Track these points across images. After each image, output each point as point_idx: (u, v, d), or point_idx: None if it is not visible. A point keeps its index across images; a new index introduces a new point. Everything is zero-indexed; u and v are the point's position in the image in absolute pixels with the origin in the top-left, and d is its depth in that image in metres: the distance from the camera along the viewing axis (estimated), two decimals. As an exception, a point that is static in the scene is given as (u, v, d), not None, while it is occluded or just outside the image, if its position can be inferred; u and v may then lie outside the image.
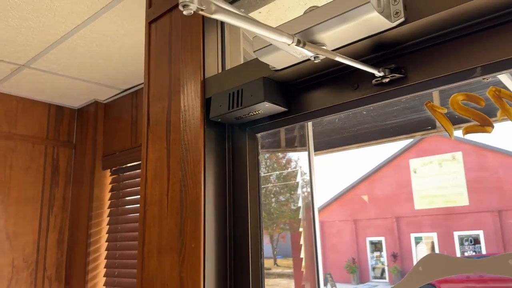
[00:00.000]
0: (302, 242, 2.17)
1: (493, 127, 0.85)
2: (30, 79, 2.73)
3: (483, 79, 0.88)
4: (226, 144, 1.31)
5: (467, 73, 0.89)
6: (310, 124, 1.68)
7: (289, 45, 0.76)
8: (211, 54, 1.32)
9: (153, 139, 1.39)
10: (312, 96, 1.13)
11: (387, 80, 0.97)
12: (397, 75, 0.96)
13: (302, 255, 2.14)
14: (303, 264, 2.15)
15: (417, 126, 2.26)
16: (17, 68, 2.58)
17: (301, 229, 2.29)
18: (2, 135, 2.84)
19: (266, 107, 1.13)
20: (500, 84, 0.88)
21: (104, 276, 2.87)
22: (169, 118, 1.35)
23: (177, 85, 1.35)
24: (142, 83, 2.83)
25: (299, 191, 2.14)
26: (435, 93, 1.03)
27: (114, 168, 3.00)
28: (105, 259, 2.90)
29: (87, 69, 2.62)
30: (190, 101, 1.28)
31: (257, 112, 1.17)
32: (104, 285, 2.85)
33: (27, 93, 2.95)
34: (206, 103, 1.27)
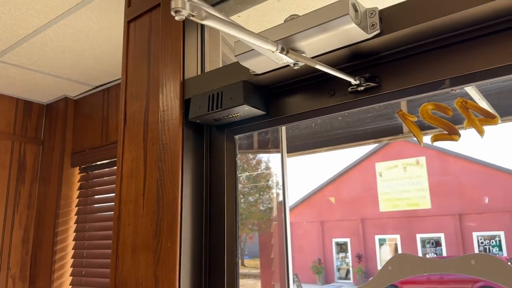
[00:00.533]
0: (273, 242, 2.21)
1: (459, 135, 0.90)
2: (-1, 72, 2.66)
3: (451, 90, 0.94)
4: (204, 145, 1.33)
5: (437, 84, 0.95)
6: (283, 127, 1.72)
7: (273, 52, 0.79)
8: (190, 56, 1.34)
9: (129, 138, 1.39)
10: (290, 101, 1.17)
11: (362, 88, 1.02)
12: (372, 84, 1.00)
13: (273, 255, 2.18)
14: (272, 264, 2.19)
15: (386, 132, 2.35)
16: (-16, 61, 2.51)
17: (272, 231, 2.33)
18: (-34, 130, 2.75)
19: (245, 110, 1.16)
20: (467, 95, 0.94)
21: (70, 276, 2.82)
22: (147, 118, 1.36)
23: (156, 85, 1.36)
24: (115, 80, 2.81)
25: (274, 192, 2.17)
26: (403, 102, 1.09)
27: (83, 166, 2.95)
28: (72, 258, 2.85)
29: (58, 64, 2.58)
30: (169, 101, 1.30)
31: (236, 115, 1.20)
32: (70, 285, 2.80)
33: (-6, 87, 2.87)
34: (185, 104, 1.29)
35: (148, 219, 1.26)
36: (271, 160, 2.27)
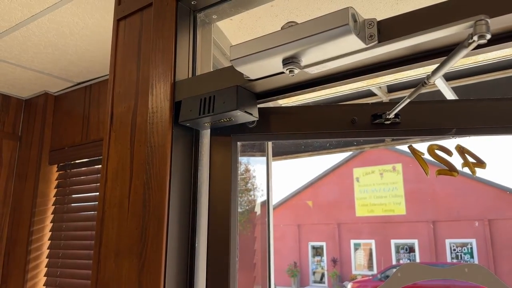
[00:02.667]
0: (256, 247, 2.20)
1: (458, 172, 1.08)
2: (-24, 65, 2.58)
3: (453, 137, 1.13)
4: (193, 149, 1.31)
5: (445, 131, 1.09)
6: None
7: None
8: (182, 58, 1.31)
9: (116, 139, 1.36)
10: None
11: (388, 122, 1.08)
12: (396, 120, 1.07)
13: (255, 260, 2.17)
14: (255, 269, 2.18)
15: (369, 140, 2.38)
16: (-38, 52, 2.43)
17: (255, 235, 2.32)
18: None
19: (238, 115, 1.15)
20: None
21: (45, 276, 2.74)
22: (135, 119, 1.33)
23: (145, 86, 1.33)
24: (97, 78, 2.76)
25: (252, 194, 2.17)
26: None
27: (61, 164, 2.88)
28: (47, 258, 2.78)
29: (40, 59, 2.51)
30: (159, 103, 1.27)
31: (227, 119, 1.18)
32: (44, 285, 2.73)
33: (-29, 80, 2.78)
34: (176, 107, 1.27)
35: (133, 223, 1.23)
36: (250, 162, 2.25)
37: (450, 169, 1.08)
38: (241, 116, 1.16)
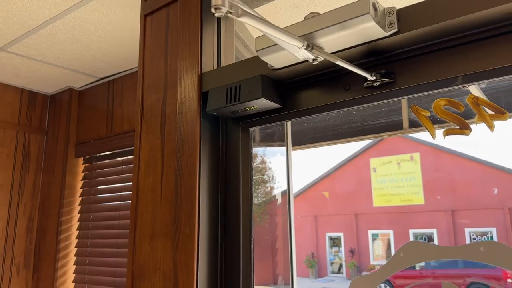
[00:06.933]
0: (277, 233, 2.26)
1: (470, 130, 0.95)
2: (5, 63, 2.68)
3: (463, 87, 0.99)
4: (220, 137, 1.38)
5: (449, 81, 1.00)
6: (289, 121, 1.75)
7: (299, 48, 0.84)
8: (207, 50, 1.38)
9: (146, 129, 1.43)
10: (306, 95, 1.21)
11: (377, 83, 1.07)
12: (387, 80, 1.05)
13: (278, 245, 2.23)
14: (277, 254, 2.24)
15: (386, 128, 2.41)
16: (-8, 51, 2.53)
17: (277, 221, 2.38)
18: (-28, 119, 2.77)
19: (263, 103, 1.21)
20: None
21: (74, 264, 2.86)
22: (164, 109, 1.40)
23: (173, 78, 1.40)
24: (120, 72, 2.84)
25: (276, 186, 2.21)
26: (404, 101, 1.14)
27: (87, 157, 2.98)
28: (75, 247, 2.89)
29: (65, 56, 2.60)
30: (187, 93, 1.34)
31: (252, 108, 1.24)
32: (74, 273, 2.84)
33: (0, 77, 2.89)
34: (203, 97, 1.33)
35: (166, 207, 1.30)
36: (266, 154, 2.27)
37: (461, 127, 0.93)
38: (266, 104, 1.22)
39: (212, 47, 1.39)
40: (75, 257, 2.87)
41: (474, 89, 1.04)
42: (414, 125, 2.00)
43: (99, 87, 2.96)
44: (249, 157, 1.32)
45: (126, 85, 2.79)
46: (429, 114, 1.02)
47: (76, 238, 2.90)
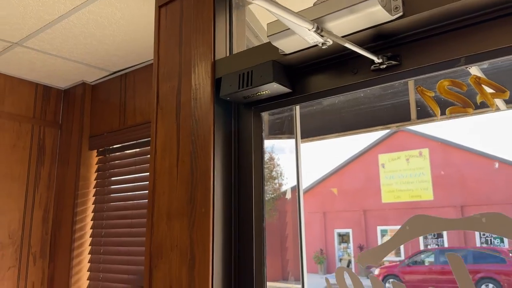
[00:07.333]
0: (287, 220, 2.31)
1: (473, 108, 1.00)
2: (21, 57, 2.75)
3: (466, 67, 1.04)
4: (232, 121, 1.44)
5: (453, 62, 1.04)
6: (298, 112, 1.79)
7: (309, 30, 0.89)
8: (220, 38, 1.43)
9: (162, 115, 1.49)
10: (315, 79, 1.26)
11: (384, 66, 1.12)
12: (393, 62, 1.10)
13: (287, 232, 2.28)
14: (287, 241, 2.29)
15: (394, 118, 2.44)
16: (9, 46, 2.61)
17: (286, 210, 2.43)
18: (-10, 112, 2.86)
19: (274, 88, 1.26)
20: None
21: (89, 254, 2.94)
22: (179, 96, 1.46)
23: (188, 66, 1.46)
24: (132, 66, 2.91)
25: (285, 182, 2.26)
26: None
27: (101, 149, 3.06)
28: (90, 237, 2.96)
29: (79, 50, 2.67)
30: (201, 80, 1.40)
31: (264, 92, 1.30)
32: (88, 262, 2.92)
33: (16, 72, 2.97)
34: (216, 83, 1.39)
35: (182, 188, 1.36)
36: (275, 150, 2.28)
37: (464, 105, 0.99)
38: (277, 88, 1.27)
39: (224, 35, 1.45)
40: (90, 247, 2.95)
41: (475, 71, 1.08)
42: (422, 115, 2.03)
43: (111, 81, 3.03)
44: (260, 140, 1.37)
45: (138, 78, 2.85)
46: (433, 94, 1.07)
47: (90, 228, 2.98)
